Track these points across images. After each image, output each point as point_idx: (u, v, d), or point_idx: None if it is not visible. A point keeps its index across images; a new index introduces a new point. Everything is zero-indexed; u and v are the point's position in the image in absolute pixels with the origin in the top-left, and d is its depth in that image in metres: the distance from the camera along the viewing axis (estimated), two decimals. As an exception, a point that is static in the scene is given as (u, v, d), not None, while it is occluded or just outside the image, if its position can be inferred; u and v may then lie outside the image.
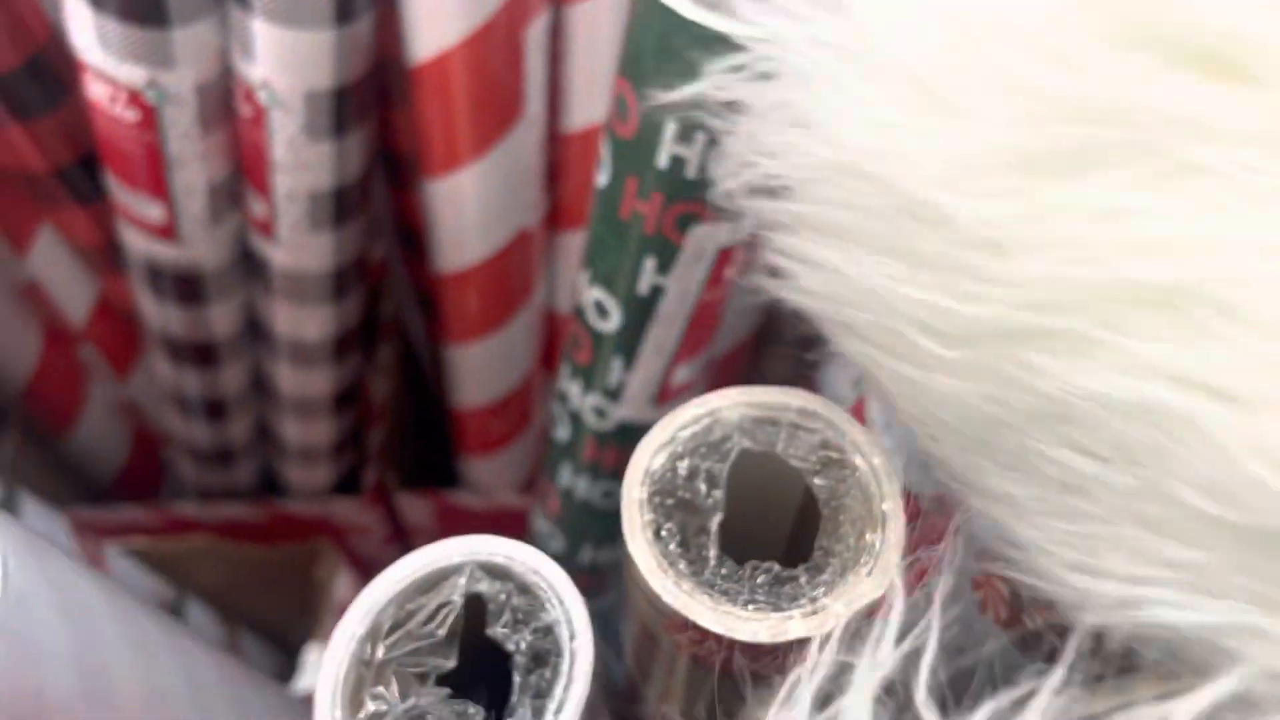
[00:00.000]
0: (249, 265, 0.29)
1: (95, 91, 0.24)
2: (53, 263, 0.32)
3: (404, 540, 0.38)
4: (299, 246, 0.27)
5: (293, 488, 0.36)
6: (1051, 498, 0.12)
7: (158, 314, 0.29)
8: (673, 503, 0.15)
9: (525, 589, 0.14)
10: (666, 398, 0.25)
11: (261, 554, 0.34)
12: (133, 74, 0.23)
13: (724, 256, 0.21)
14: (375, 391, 0.36)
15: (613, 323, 0.23)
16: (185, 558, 0.34)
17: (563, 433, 0.26)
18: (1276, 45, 0.11)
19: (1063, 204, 0.12)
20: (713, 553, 0.14)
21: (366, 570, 0.39)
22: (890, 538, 0.14)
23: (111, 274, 0.32)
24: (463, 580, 0.14)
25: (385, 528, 0.37)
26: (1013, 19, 0.12)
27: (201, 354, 0.30)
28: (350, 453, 0.36)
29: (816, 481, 0.15)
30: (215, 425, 0.33)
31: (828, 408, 0.15)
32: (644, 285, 0.22)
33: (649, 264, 0.21)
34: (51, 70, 0.27)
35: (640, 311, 0.22)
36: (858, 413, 0.18)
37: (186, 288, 0.28)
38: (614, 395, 0.24)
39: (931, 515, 0.15)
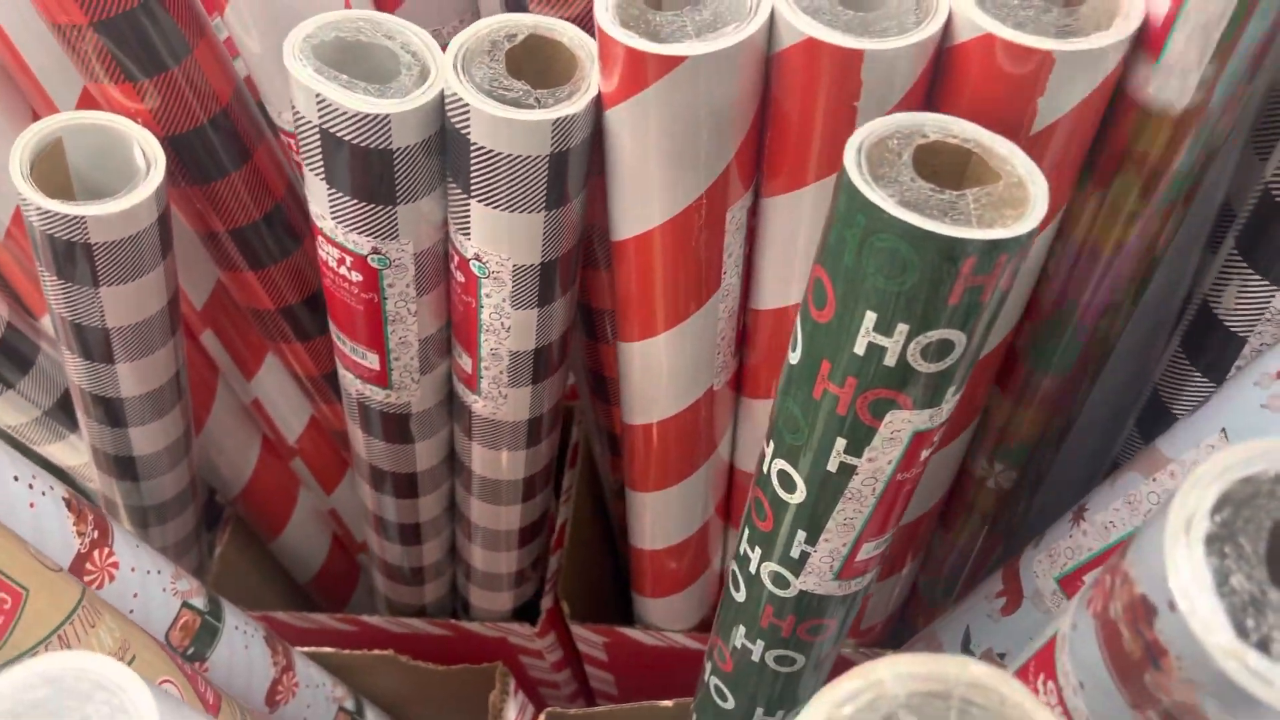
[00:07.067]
0: (453, 406, 0.30)
1: (325, 252, 0.26)
2: (273, 386, 0.35)
3: (575, 667, 0.38)
4: (498, 399, 0.28)
5: (475, 609, 0.37)
6: None
7: (364, 445, 0.31)
8: None
9: None
10: (851, 572, 0.24)
11: (440, 671, 0.35)
12: (360, 241, 0.25)
13: (919, 439, 0.21)
14: (557, 516, 0.37)
15: (797, 496, 0.23)
16: (368, 667, 0.36)
17: (740, 594, 0.26)
18: None
19: None
20: None
21: (534, 693, 0.39)
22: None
23: (325, 401, 0.34)
24: None
25: (557, 654, 0.37)
26: None
27: (402, 484, 0.32)
28: (531, 579, 0.36)
29: None
30: (409, 549, 0.34)
31: (1004, 681, 0.14)
32: (833, 463, 0.21)
33: (839, 444, 0.21)
34: (285, 223, 0.30)
35: (827, 488, 0.22)
36: (1047, 664, 0.17)
37: (393, 426, 0.30)
38: (795, 566, 0.24)
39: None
